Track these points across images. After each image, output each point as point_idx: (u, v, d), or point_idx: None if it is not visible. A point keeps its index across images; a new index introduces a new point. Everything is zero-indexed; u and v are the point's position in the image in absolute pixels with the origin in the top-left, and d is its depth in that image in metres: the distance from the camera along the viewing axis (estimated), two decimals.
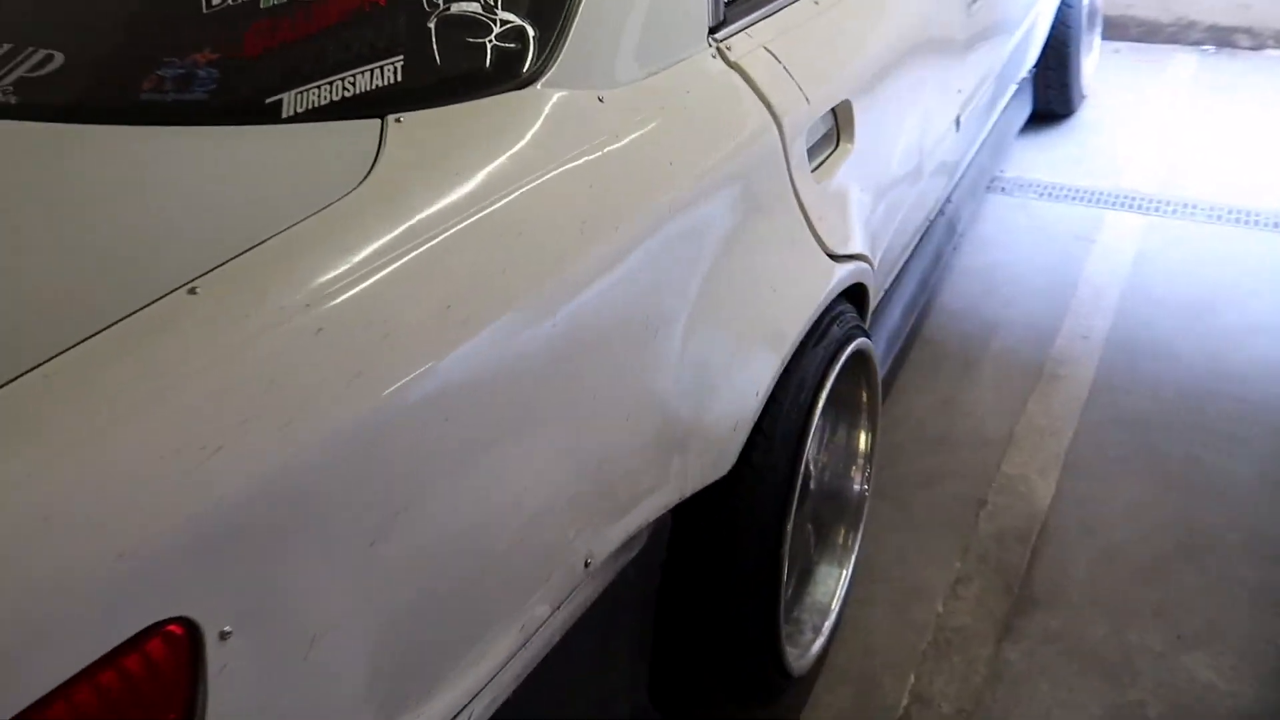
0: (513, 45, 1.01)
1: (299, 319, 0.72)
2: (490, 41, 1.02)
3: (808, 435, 1.23)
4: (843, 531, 1.58)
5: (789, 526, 1.21)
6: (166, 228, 0.83)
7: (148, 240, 0.82)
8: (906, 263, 1.93)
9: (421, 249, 0.81)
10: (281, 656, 0.70)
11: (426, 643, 0.81)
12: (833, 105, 1.35)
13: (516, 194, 0.89)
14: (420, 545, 0.78)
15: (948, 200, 2.18)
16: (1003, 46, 2.33)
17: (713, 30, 1.21)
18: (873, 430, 1.59)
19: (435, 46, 1.00)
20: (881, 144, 1.52)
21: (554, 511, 0.92)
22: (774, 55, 1.26)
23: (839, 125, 1.41)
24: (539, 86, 0.99)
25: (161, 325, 0.70)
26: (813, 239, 1.26)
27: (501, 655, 0.89)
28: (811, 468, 1.36)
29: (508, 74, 1.00)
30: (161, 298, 0.71)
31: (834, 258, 1.30)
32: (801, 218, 1.24)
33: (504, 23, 1.03)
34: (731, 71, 1.19)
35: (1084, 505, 1.83)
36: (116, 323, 0.69)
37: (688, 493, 1.09)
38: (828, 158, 1.37)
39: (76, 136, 0.96)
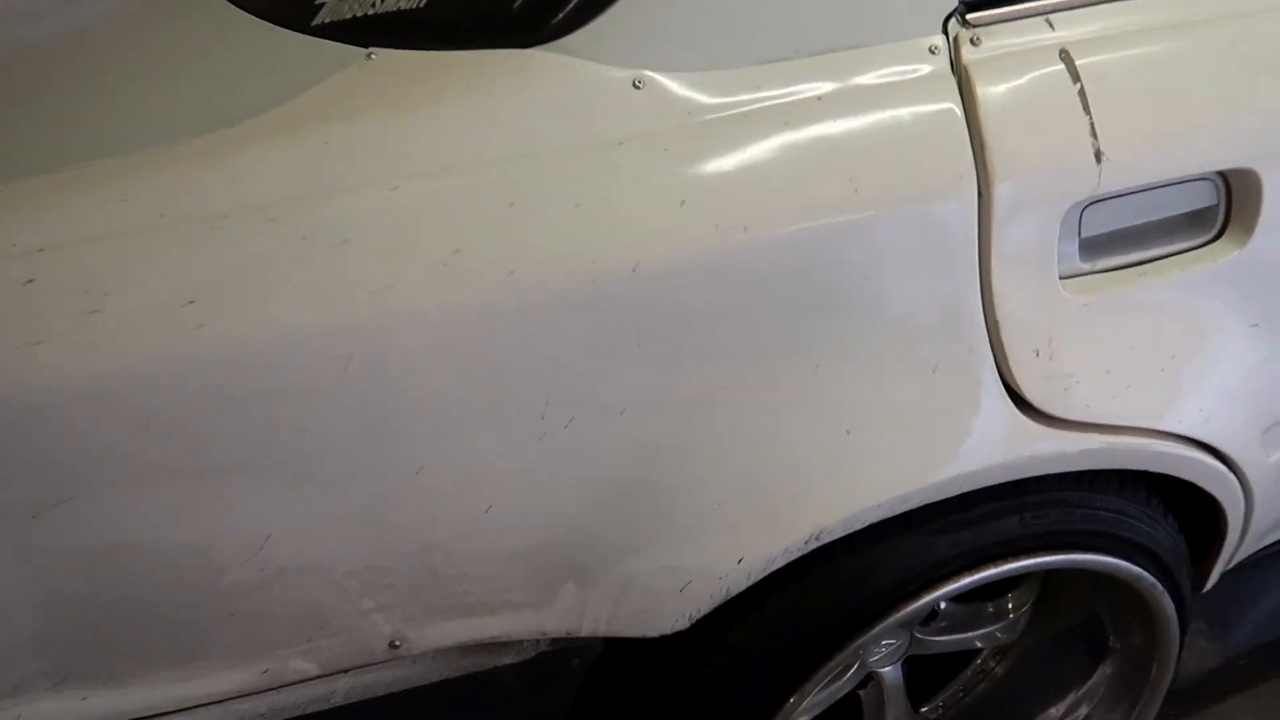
0: None
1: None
2: None
3: (843, 647, 0.81)
4: None
5: None
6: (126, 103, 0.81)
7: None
8: None
9: (215, 224, 0.67)
10: None
11: (102, 628, 0.74)
12: (1178, 172, 0.77)
13: (378, 189, 0.68)
14: (91, 536, 0.70)
15: None
16: None
17: (972, 4, 0.76)
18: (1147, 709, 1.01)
19: None
20: None
21: (323, 572, 0.75)
22: (1074, 68, 0.75)
23: (1230, 209, 0.82)
24: (545, 51, 0.72)
25: None
26: (996, 379, 0.77)
27: (228, 684, 0.78)
28: None
29: (527, 24, 0.74)
30: None
31: (1044, 417, 0.79)
32: (983, 343, 0.77)
33: None
34: (944, 81, 0.74)
35: None
36: None
37: (585, 633, 0.80)
38: (1162, 256, 0.81)
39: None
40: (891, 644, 1.05)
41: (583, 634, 0.81)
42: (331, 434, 0.71)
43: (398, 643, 0.81)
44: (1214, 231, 0.84)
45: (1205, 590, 1.10)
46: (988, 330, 0.77)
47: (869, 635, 0.85)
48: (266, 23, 0.87)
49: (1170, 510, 0.97)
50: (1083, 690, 1.15)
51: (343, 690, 0.83)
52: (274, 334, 0.68)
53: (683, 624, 0.80)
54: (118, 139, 0.75)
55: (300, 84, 0.77)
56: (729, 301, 0.73)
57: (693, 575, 0.78)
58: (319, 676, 0.82)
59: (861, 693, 1.10)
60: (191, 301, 0.67)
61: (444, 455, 0.73)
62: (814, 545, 0.78)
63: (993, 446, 0.79)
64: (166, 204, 0.68)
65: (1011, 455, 0.80)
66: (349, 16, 0.82)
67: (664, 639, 0.82)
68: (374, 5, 0.82)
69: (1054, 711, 1.18)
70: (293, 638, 0.78)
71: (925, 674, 1.19)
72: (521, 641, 0.84)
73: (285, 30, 0.85)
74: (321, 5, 0.85)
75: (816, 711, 1.03)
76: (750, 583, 0.78)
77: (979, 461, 0.79)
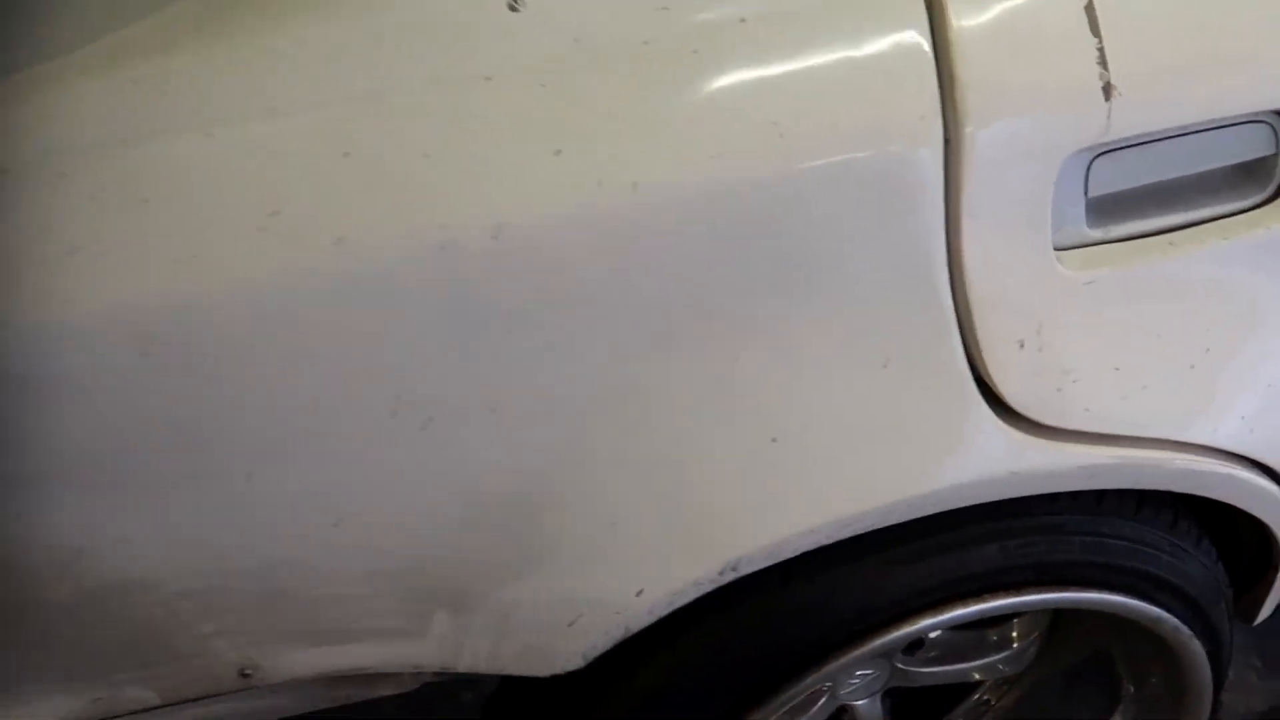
0: None
1: None
2: None
3: (771, 699, 0.66)
4: None
5: None
6: None
7: None
8: None
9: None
10: None
11: None
12: (1217, 113, 0.60)
13: (202, 133, 0.55)
14: None
15: None
16: None
17: None
18: None
19: None
20: None
21: (151, 590, 0.64)
22: None
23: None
24: None
25: None
26: (966, 375, 0.61)
27: (54, 711, 0.68)
28: None
29: None
30: None
31: (1031, 425, 0.63)
32: (946, 329, 0.61)
33: None
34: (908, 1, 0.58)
35: None
36: None
37: (466, 669, 0.67)
38: (1196, 222, 0.64)
39: None
40: (866, 674, 0.90)
41: (461, 670, 0.68)
42: (137, 432, 0.59)
43: (248, 671, 0.69)
44: (1271, 189, 0.66)
45: (1256, 624, 0.93)
46: (956, 314, 0.61)
47: (810, 680, 0.70)
48: None
49: (1206, 533, 0.80)
50: None
51: None
52: (54, 315, 0.57)
53: (576, 663, 0.66)
54: None
55: (140, 13, 0.65)
56: (618, 275, 0.58)
57: (583, 608, 0.64)
58: (161, 706, 0.71)
59: None
60: None
61: (275, 458, 0.61)
62: (731, 576, 0.63)
63: (961, 460, 0.63)
64: None
65: (986, 471, 0.63)
66: None
67: (559, 678, 0.69)
68: None
69: None
70: (124, 664, 0.68)
71: (919, 704, 1.04)
72: (399, 673, 0.72)
73: None
74: None
75: None
76: (654, 618, 0.64)
77: (943, 479, 0.63)
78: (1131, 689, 0.97)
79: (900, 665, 0.92)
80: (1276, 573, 0.84)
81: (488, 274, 0.58)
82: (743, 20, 0.59)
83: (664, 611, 0.64)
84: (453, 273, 0.57)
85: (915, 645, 0.92)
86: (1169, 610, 0.77)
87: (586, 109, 0.58)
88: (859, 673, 0.90)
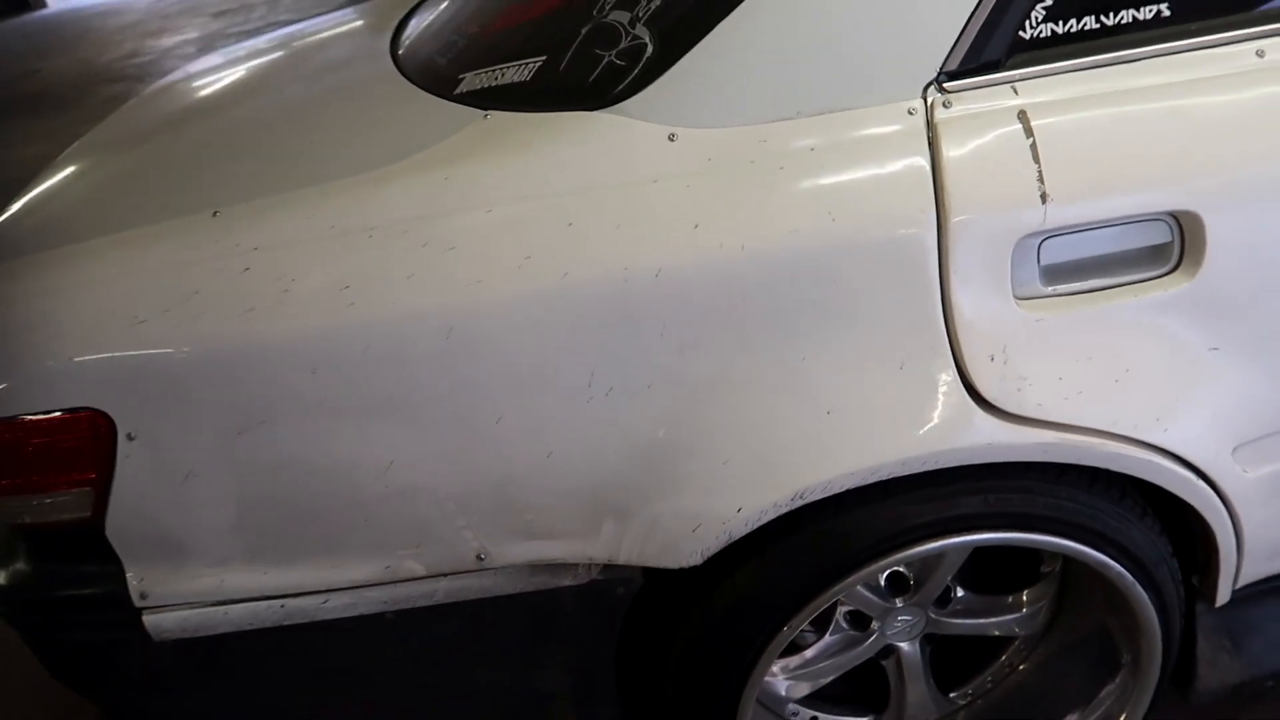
0: (622, 64, 1.00)
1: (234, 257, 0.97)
2: (609, 56, 1.02)
3: (827, 590, 0.99)
4: None
5: (759, 666, 1.03)
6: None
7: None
8: None
9: (356, 236, 0.96)
10: (163, 474, 1.01)
11: (279, 523, 1.04)
12: (1128, 211, 0.92)
13: (475, 213, 0.95)
14: (276, 454, 1.00)
15: None
16: None
17: (951, 74, 0.95)
18: (1140, 698, 1.12)
19: (570, 53, 1.05)
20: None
21: (429, 493, 1.02)
22: (1027, 126, 0.92)
23: (1183, 246, 0.95)
24: (608, 113, 0.97)
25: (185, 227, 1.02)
26: (955, 376, 0.94)
27: (361, 574, 1.06)
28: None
29: (597, 92, 1.00)
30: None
31: (999, 412, 0.95)
32: (943, 347, 0.94)
33: (633, 39, 1.02)
34: (917, 137, 0.93)
35: None
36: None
37: (621, 561, 1.03)
38: (1119, 285, 0.95)
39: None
40: (908, 620, 1.20)
41: (620, 561, 1.04)
42: (437, 387, 0.98)
43: (482, 556, 1.06)
44: (1171, 265, 0.97)
45: (1219, 606, 1.18)
46: (948, 336, 0.95)
47: (849, 581, 1.03)
48: (425, 92, 1.18)
49: (1152, 513, 1.09)
50: (1100, 697, 1.25)
51: (442, 591, 1.09)
52: (400, 311, 0.96)
53: (696, 559, 1.01)
54: (311, 175, 1.06)
55: (437, 136, 1.05)
56: (731, 303, 0.94)
57: (702, 519, 0.99)
58: (424, 577, 1.08)
59: (884, 663, 1.26)
60: (346, 287, 0.96)
61: (517, 409, 0.98)
62: (799, 503, 0.97)
63: (951, 433, 0.96)
64: (337, 219, 0.98)
65: (968, 442, 0.96)
66: (479, 87, 1.10)
67: (687, 574, 1.03)
68: (498, 77, 1.10)
69: (1079, 713, 1.28)
70: (406, 542, 1.05)
71: (957, 664, 1.32)
72: (576, 566, 1.07)
73: (434, 97, 1.14)
74: (462, 79, 1.14)
75: (830, 665, 1.22)
76: (748, 529, 0.99)
77: (938, 444, 0.96)
78: (1127, 657, 1.23)
79: (933, 615, 1.22)
80: (1218, 555, 1.11)
81: (651, 299, 0.94)
82: (812, 149, 0.95)
83: (755, 524, 0.98)
84: (631, 296, 0.94)
85: (944, 599, 1.22)
86: (1115, 560, 1.06)
87: (712, 200, 0.95)
88: (901, 618, 1.21)
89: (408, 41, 1.40)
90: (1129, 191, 0.93)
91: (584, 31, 1.06)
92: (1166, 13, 0.95)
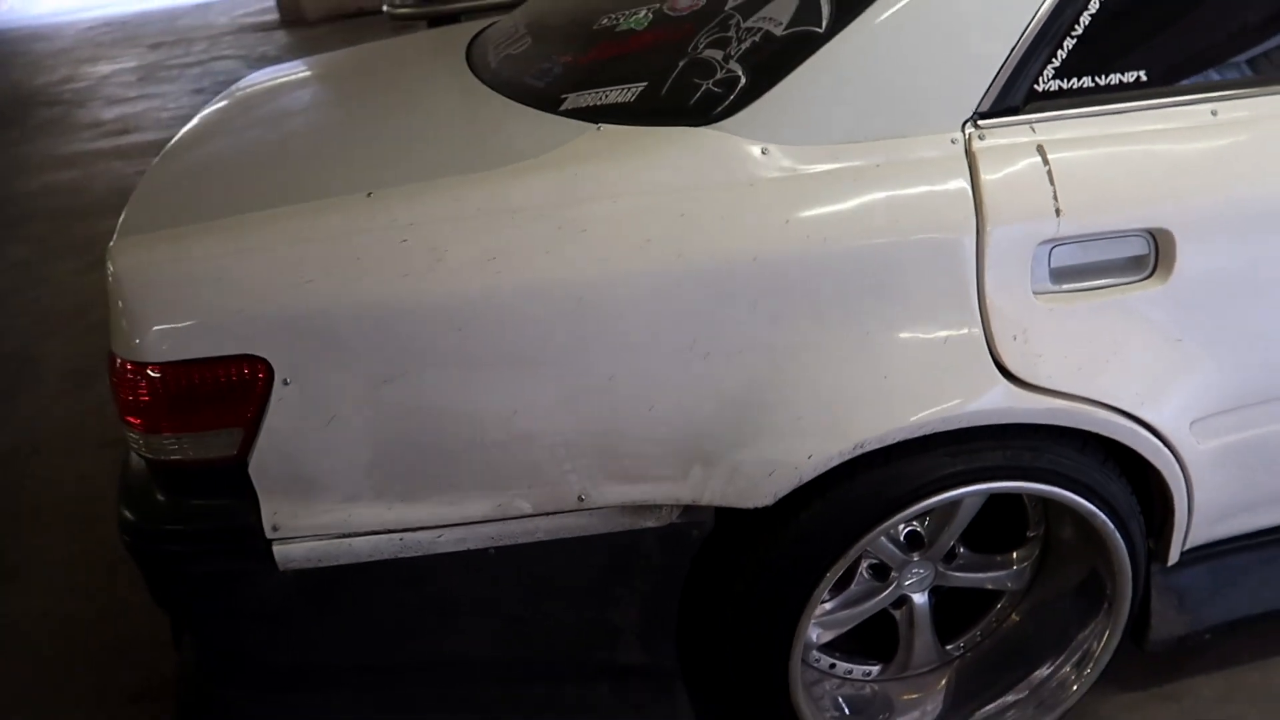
0: (719, 90, 1.22)
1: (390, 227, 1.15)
2: (707, 84, 1.24)
3: (875, 528, 1.20)
4: None
5: (812, 599, 1.24)
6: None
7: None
8: None
9: (500, 217, 1.15)
10: (310, 416, 1.17)
11: (409, 463, 1.20)
12: (1118, 227, 1.18)
13: (604, 202, 1.15)
14: (417, 400, 1.16)
15: None
16: None
17: (982, 115, 1.19)
18: (1112, 638, 1.36)
19: (670, 80, 1.27)
20: (1239, 297, 1.25)
21: (545, 439, 1.19)
22: (1044, 157, 1.17)
23: (1158, 256, 1.21)
24: (711, 129, 1.19)
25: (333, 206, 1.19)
26: (986, 352, 1.18)
27: (475, 511, 1.23)
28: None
29: (699, 112, 1.22)
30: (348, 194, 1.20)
31: (1019, 382, 1.18)
32: (978, 328, 1.19)
33: (728, 71, 1.24)
34: (959, 161, 1.17)
35: None
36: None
37: (704, 502, 1.22)
38: (1109, 285, 1.21)
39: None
40: (921, 572, 1.42)
41: (703, 503, 1.23)
42: (563, 347, 1.16)
43: (583, 497, 1.23)
44: (1147, 271, 1.23)
45: (1170, 565, 1.44)
46: (981, 320, 1.18)
47: (892, 522, 1.25)
48: (528, 107, 1.37)
49: (1132, 484, 1.34)
50: (1079, 638, 1.49)
51: (543, 529, 1.26)
52: (540, 281, 1.14)
53: (769, 500, 1.21)
54: (447, 167, 1.24)
55: (559, 142, 1.25)
56: (811, 285, 1.16)
57: (777, 465, 1.19)
58: (530, 515, 1.25)
59: (896, 614, 1.47)
60: (493, 258, 1.14)
61: (627, 368, 1.17)
62: (858, 452, 1.19)
63: (982, 397, 1.19)
64: (484, 202, 1.17)
65: (995, 405, 1.20)
66: (585, 105, 1.31)
67: (757, 516, 1.23)
68: (602, 98, 1.30)
69: (1054, 664, 1.51)
70: (518, 483, 1.22)
71: (953, 619, 1.54)
72: (660, 508, 1.25)
73: (542, 112, 1.34)
74: (565, 98, 1.34)
75: (853, 613, 1.43)
76: (816, 474, 1.19)
77: (973, 406, 1.19)
78: (1109, 593, 1.47)
79: (941, 569, 1.44)
80: (1174, 517, 1.37)
81: (747, 279, 1.15)
82: (877, 165, 1.18)
83: (821, 469, 1.19)
84: (730, 276, 1.15)
85: (950, 555, 1.44)
86: (1100, 510, 1.30)
87: (798, 201, 1.16)
88: (915, 570, 1.42)
89: (488, 68, 1.60)
90: (1119, 211, 1.20)
91: (681, 64, 1.28)
92: (1145, 78, 1.23)
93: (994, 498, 1.41)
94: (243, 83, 1.92)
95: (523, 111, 1.38)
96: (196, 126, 1.66)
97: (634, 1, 1.49)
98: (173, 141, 1.60)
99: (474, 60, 1.67)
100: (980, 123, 1.20)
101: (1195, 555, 1.49)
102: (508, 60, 1.58)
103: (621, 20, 1.46)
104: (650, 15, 1.42)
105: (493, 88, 1.50)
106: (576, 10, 1.64)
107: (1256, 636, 1.64)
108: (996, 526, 1.48)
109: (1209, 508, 1.39)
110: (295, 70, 1.95)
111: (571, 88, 1.36)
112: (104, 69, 7.67)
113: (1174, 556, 1.44)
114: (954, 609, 1.56)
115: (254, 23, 8.76)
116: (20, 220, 4.56)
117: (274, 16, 8.69)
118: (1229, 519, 1.44)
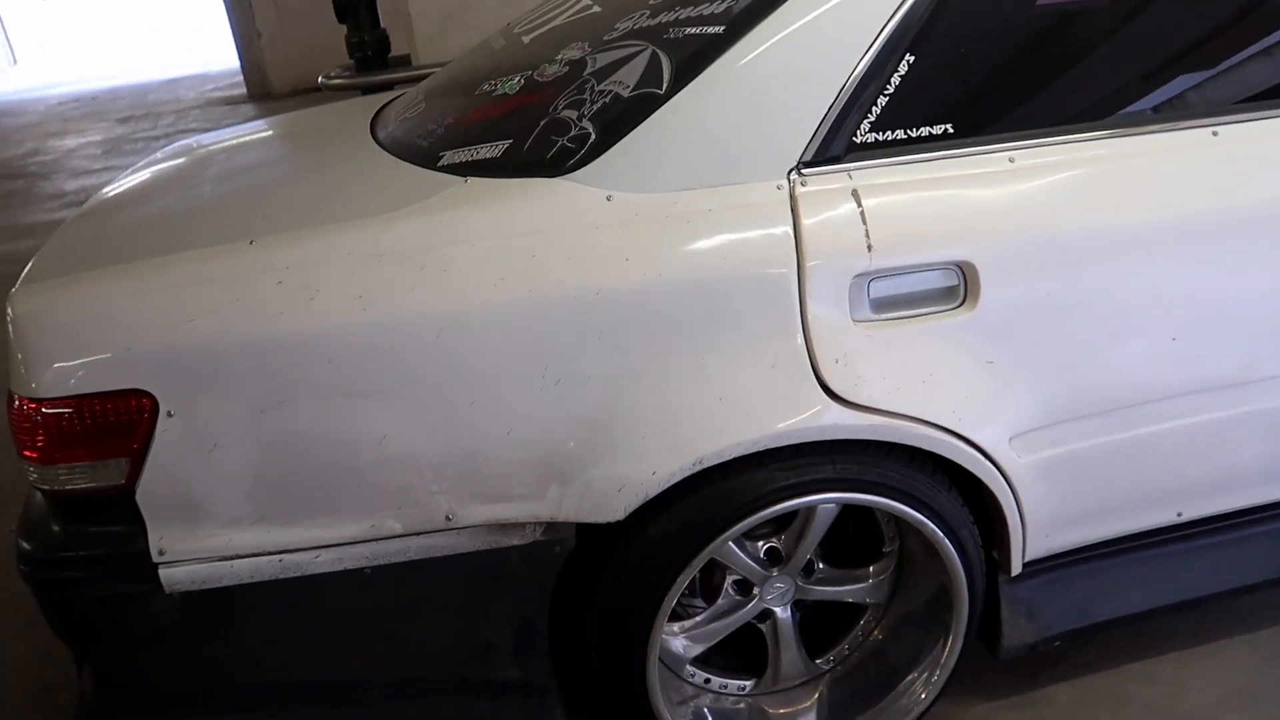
0: (572, 145, 1.36)
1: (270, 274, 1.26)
2: (562, 140, 1.37)
3: (717, 538, 1.31)
4: None
5: (664, 607, 1.35)
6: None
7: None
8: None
9: (367, 259, 1.27)
10: (193, 445, 1.27)
11: (286, 488, 1.30)
12: (927, 260, 1.32)
13: (463, 245, 1.27)
14: (292, 428, 1.27)
15: None
16: None
17: (806, 164, 1.33)
18: (955, 644, 1.47)
19: (532, 137, 1.40)
20: (1040, 324, 1.39)
21: (412, 462, 1.30)
22: (859, 200, 1.31)
23: (966, 286, 1.35)
24: (564, 179, 1.32)
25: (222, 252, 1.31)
26: (811, 375, 1.31)
27: (350, 532, 1.33)
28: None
29: (555, 165, 1.35)
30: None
31: (842, 401, 1.31)
32: (803, 353, 1.31)
33: (581, 128, 1.37)
34: (782, 205, 1.31)
35: None
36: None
37: (562, 518, 1.33)
38: (925, 314, 1.34)
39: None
40: (782, 587, 1.52)
41: (561, 519, 1.34)
42: (426, 375, 1.27)
43: (450, 516, 1.34)
44: (959, 300, 1.36)
45: (1015, 576, 1.55)
46: (806, 345, 1.31)
47: (732, 532, 1.37)
48: (410, 164, 1.51)
49: (968, 498, 1.46)
50: (933, 650, 1.58)
51: (414, 548, 1.36)
52: (404, 316, 1.26)
53: (620, 514, 1.32)
54: (326, 217, 1.37)
55: (430, 193, 1.38)
56: (651, 315, 1.29)
57: (625, 481, 1.31)
58: (402, 535, 1.34)
59: (762, 627, 1.56)
60: (360, 296, 1.26)
61: (486, 395, 1.29)
62: (698, 468, 1.30)
63: (809, 415, 1.31)
64: (354, 246, 1.29)
65: (820, 422, 1.32)
66: (459, 160, 1.44)
67: (611, 531, 1.33)
68: (474, 154, 1.44)
69: (914, 675, 1.61)
70: (390, 504, 1.32)
71: (821, 634, 1.64)
72: (524, 526, 1.36)
73: (420, 168, 1.47)
74: (443, 155, 1.47)
75: (718, 626, 1.52)
76: (661, 489, 1.31)
77: (801, 423, 1.31)
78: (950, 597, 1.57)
79: (801, 583, 1.54)
80: (1008, 528, 1.48)
81: (592, 311, 1.27)
82: (709, 210, 1.31)
83: (665, 484, 1.30)
84: (576, 309, 1.27)
85: (809, 570, 1.54)
86: (929, 520, 1.42)
87: (638, 241, 1.29)
88: (776, 585, 1.52)
89: (385, 131, 1.74)
90: (925, 246, 1.33)
91: (542, 123, 1.42)
92: (951, 130, 1.38)
93: (850, 514, 1.53)
94: (168, 149, 2.06)
95: (406, 168, 1.51)
96: (113, 189, 1.79)
97: (512, 69, 1.64)
98: (87, 204, 1.72)
99: (376, 125, 1.81)
100: (804, 170, 1.34)
101: (1043, 566, 1.60)
102: (402, 123, 1.73)
103: (499, 85, 1.61)
104: (521, 81, 1.57)
105: (385, 148, 1.64)
106: (466, 78, 1.80)
107: (1108, 644, 1.74)
108: (858, 542, 1.59)
109: (1040, 519, 1.51)
110: (220, 137, 2.09)
111: (449, 146, 1.50)
112: (70, 142, 7.82)
113: (1016, 567, 1.55)
114: (824, 625, 1.66)
115: (221, 97, 8.98)
116: None
117: (241, 91, 8.91)
118: (1066, 530, 1.56)
